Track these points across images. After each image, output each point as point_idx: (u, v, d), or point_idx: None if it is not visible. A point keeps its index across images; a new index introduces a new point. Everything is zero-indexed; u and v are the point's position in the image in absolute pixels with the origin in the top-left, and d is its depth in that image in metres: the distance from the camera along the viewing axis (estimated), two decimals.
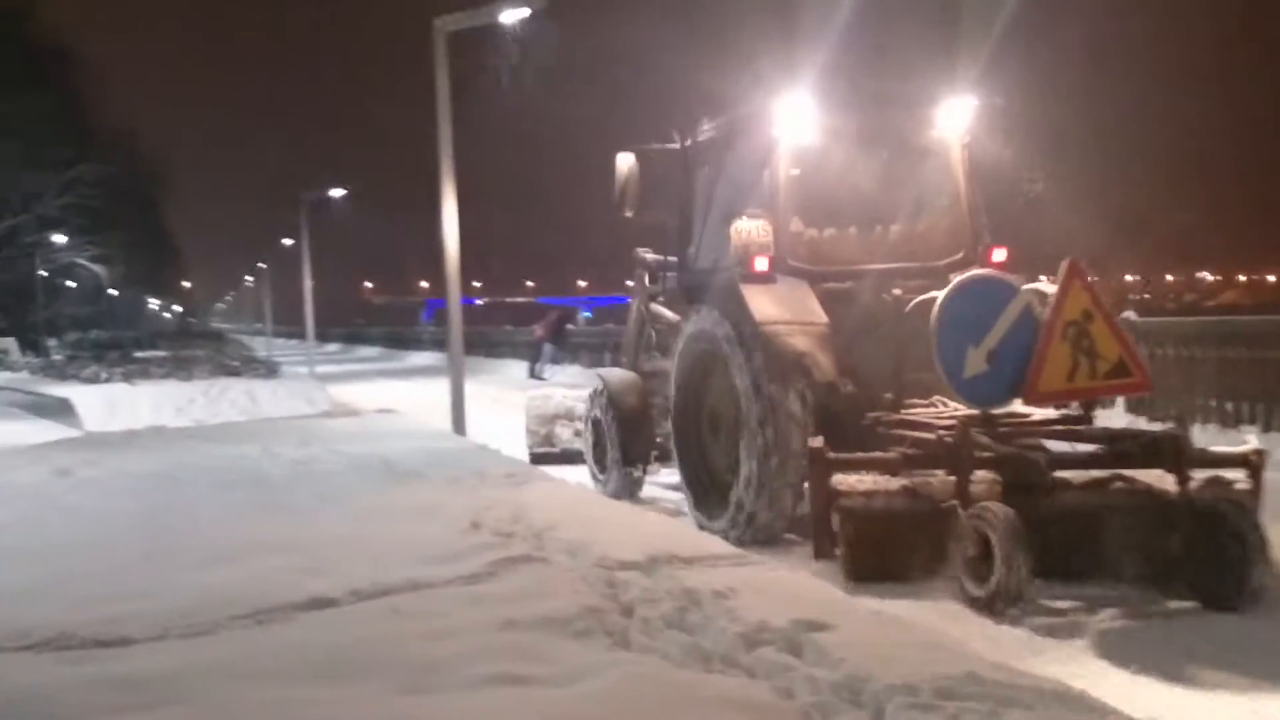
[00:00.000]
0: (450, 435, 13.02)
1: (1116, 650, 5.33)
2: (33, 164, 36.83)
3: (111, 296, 55.12)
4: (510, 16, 13.95)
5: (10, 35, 38.78)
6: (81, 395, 19.21)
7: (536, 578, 5.30)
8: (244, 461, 10.29)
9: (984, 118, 8.18)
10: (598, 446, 9.96)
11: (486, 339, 39.47)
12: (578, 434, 11.06)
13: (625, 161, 8.97)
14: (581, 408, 10.62)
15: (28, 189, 38.27)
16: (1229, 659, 5.19)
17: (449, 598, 4.97)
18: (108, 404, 18.71)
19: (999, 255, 7.82)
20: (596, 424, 9.92)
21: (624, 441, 9.44)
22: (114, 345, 38.24)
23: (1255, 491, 6.42)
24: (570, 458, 11.12)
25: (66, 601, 5.25)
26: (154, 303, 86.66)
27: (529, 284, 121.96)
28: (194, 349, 30.46)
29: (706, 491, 8.14)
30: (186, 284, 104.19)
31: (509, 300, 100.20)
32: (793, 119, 7.84)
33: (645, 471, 9.68)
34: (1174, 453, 6.37)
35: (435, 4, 14.63)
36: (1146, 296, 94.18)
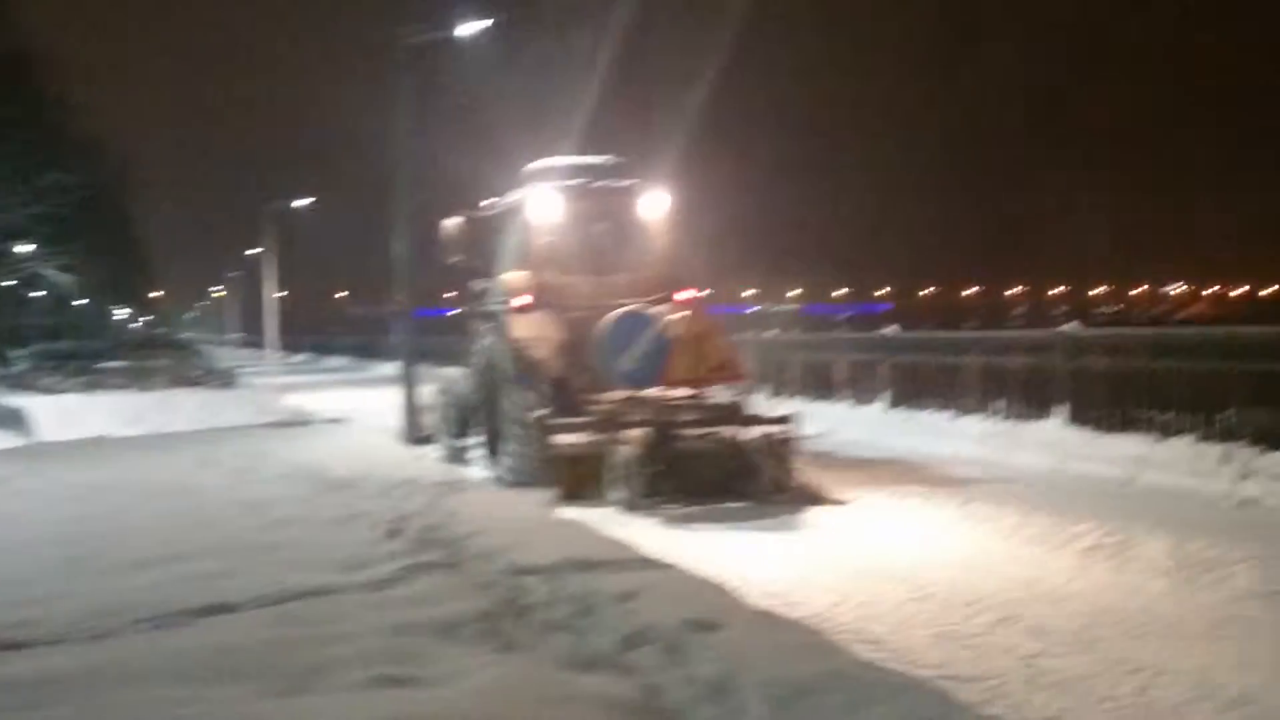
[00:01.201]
0: (395, 444, 13.09)
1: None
2: (1, 174, 36.51)
3: (77, 306, 54.71)
4: (468, 30, 14.05)
5: None
6: (37, 405, 19.15)
7: (441, 584, 5.36)
8: (182, 471, 10.31)
9: (680, 202, 11.98)
10: (442, 425, 13.17)
11: (453, 349, 39.27)
12: None
13: (450, 223, 12.41)
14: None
15: None
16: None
17: (349, 603, 5.03)
18: (63, 414, 18.68)
19: (685, 294, 11.42)
20: (441, 409, 13.18)
21: (455, 421, 12.67)
22: (76, 355, 37.94)
23: (789, 438, 10.19)
24: (435, 439, 13.64)
25: None
26: (122, 312, 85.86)
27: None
28: (156, 359, 30.31)
29: (493, 449, 11.33)
30: (156, 294, 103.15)
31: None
32: (541, 205, 11.52)
33: (467, 443, 12.57)
34: (736, 416, 10.37)
35: (400, 16, 14.79)
36: (1119, 308, 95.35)
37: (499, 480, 10.66)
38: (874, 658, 5.50)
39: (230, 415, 18.25)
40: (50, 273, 44.58)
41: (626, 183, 11.84)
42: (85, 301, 57.14)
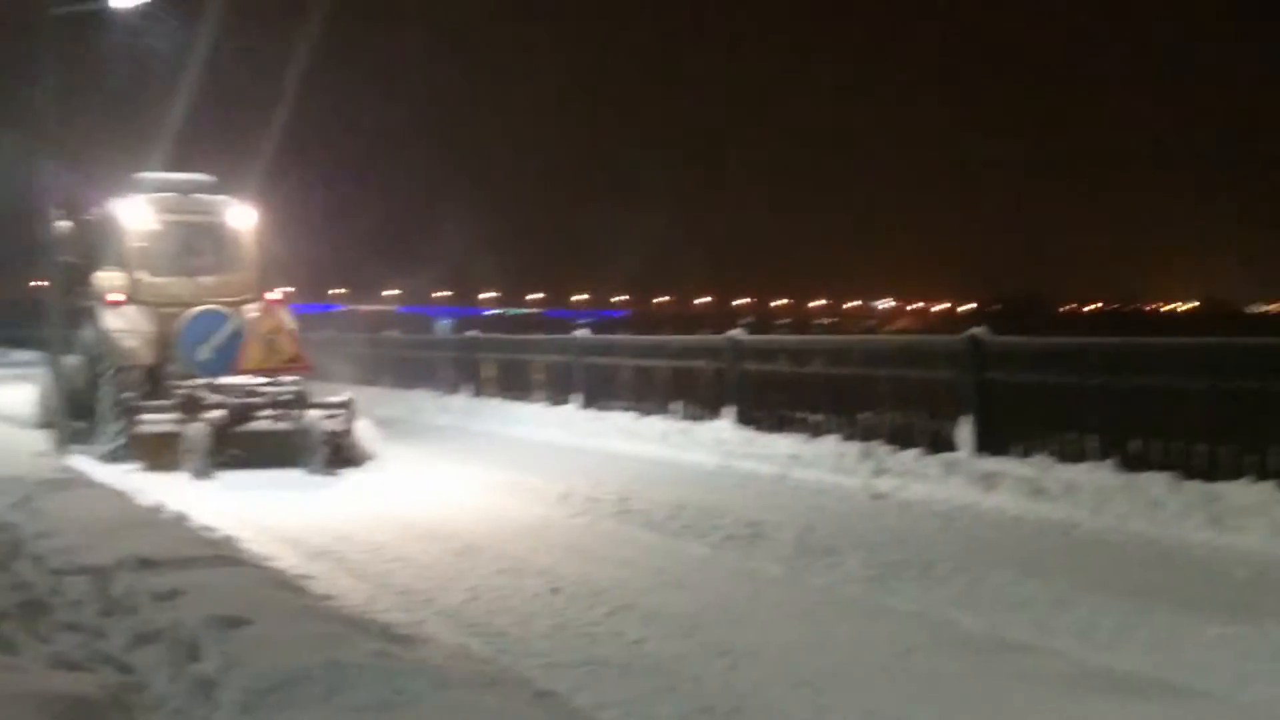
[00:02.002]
0: (28, 436, 12.82)
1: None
2: None
3: None
4: (122, 4, 13.29)
5: None
6: None
7: None
8: None
9: (264, 216, 13.96)
10: (57, 411, 13.50)
11: None
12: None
13: (60, 224, 13.39)
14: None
15: None
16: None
17: None
18: None
19: (273, 295, 12.98)
20: (57, 396, 13.55)
21: (69, 406, 13.19)
22: None
23: (348, 418, 12.20)
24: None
25: None
26: None
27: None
28: None
29: (92, 431, 12.57)
30: None
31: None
32: (135, 213, 13.19)
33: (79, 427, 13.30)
34: (301, 401, 12.05)
35: None
36: (836, 320, 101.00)
37: (100, 458, 11.86)
38: (485, 649, 5.61)
39: None
40: None
41: (216, 197, 13.72)
42: None
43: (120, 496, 8.28)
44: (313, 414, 11.97)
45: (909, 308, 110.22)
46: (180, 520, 7.21)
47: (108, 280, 12.86)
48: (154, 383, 12.17)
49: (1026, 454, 10.07)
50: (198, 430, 11.23)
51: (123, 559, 5.33)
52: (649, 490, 10.73)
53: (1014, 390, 10.59)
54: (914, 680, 5.31)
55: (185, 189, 13.67)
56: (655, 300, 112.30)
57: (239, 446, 11.46)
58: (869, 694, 5.08)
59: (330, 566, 7.51)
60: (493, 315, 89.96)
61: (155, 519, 7.23)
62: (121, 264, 13.03)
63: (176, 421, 11.36)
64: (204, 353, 12.38)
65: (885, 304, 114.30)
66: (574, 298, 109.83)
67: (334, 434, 11.93)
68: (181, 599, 4.57)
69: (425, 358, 21.57)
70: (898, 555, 7.81)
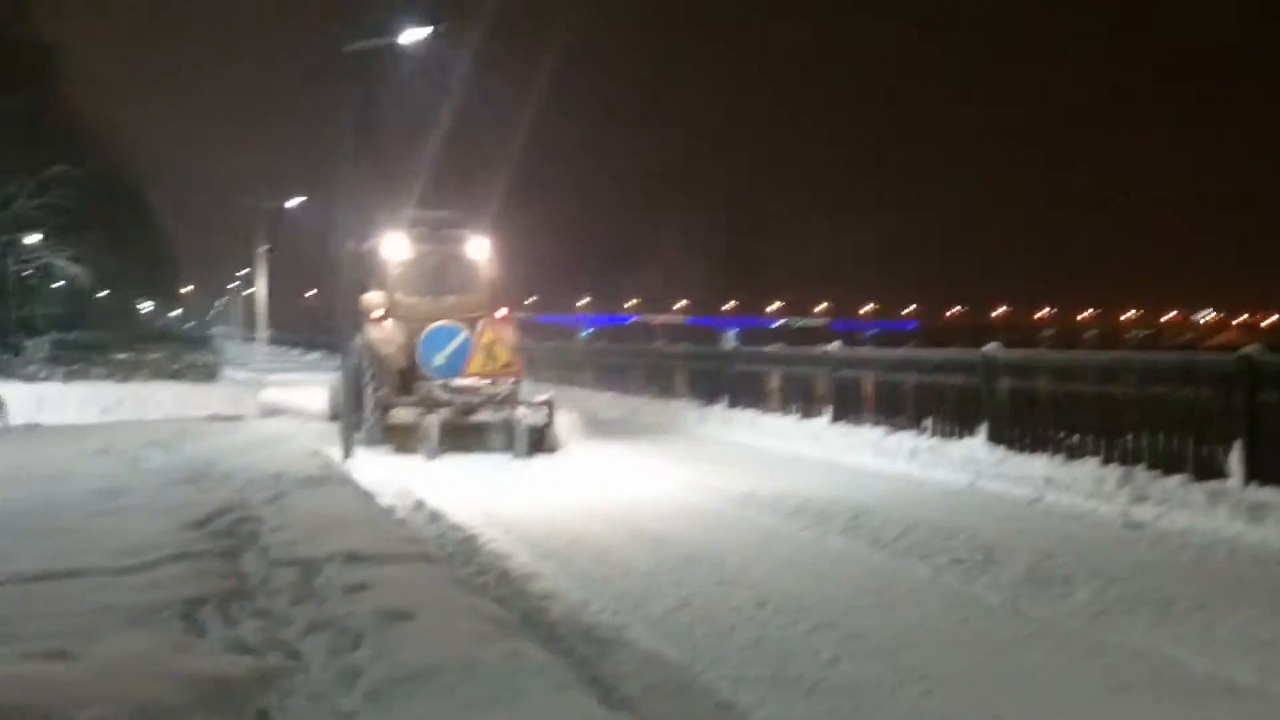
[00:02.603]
0: (315, 435, 14.30)
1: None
2: (8, 165, 37.03)
3: (98, 298, 55.22)
4: (410, 38, 14.42)
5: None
6: (13, 392, 19.56)
7: (192, 571, 5.49)
8: (74, 459, 10.59)
9: (496, 246, 16.44)
10: (342, 406, 15.76)
11: None
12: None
13: (348, 253, 15.79)
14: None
15: (3, 190, 38.44)
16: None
17: (85, 585, 5.17)
18: (37, 400, 19.14)
19: (500, 313, 15.61)
20: (342, 393, 15.79)
21: (351, 401, 15.19)
22: (99, 346, 38.06)
23: (550, 413, 14.60)
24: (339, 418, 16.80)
25: None
26: (147, 306, 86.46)
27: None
28: (152, 353, 30.64)
29: (358, 422, 14.67)
30: (189, 288, 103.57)
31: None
32: (393, 245, 15.82)
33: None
34: (512, 399, 14.66)
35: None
36: (1147, 333, 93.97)
37: (362, 444, 14.15)
38: (679, 657, 5.69)
39: (199, 407, 18.76)
40: (62, 263, 45.12)
41: (459, 230, 16.20)
42: (108, 293, 57.65)
43: (365, 495, 8.95)
44: (520, 410, 14.39)
45: (1235, 321, 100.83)
46: (408, 519, 7.67)
47: (372, 299, 15.47)
48: (406, 382, 14.75)
49: None
50: (431, 422, 13.82)
51: (334, 553, 5.79)
52: (886, 507, 10.43)
53: None
54: None
55: (435, 224, 16.23)
56: (948, 312, 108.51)
57: (462, 435, 14.03)
58: None
59: (557, 567, 7.76)
60: (779, 326, 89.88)
61: (385, 517, 7.78)
62: (383, 286, 15.63)
63: (417, 414, 13.97)
64: (438, 359, 14.78)
65: (1207, 316, 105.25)
66: (862, 309, 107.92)
67: (535, 427, 14.33)
68: (366, 592, 4.92)
69: (686, 369, 21.99)
70: (1135, 589, 7.22)
